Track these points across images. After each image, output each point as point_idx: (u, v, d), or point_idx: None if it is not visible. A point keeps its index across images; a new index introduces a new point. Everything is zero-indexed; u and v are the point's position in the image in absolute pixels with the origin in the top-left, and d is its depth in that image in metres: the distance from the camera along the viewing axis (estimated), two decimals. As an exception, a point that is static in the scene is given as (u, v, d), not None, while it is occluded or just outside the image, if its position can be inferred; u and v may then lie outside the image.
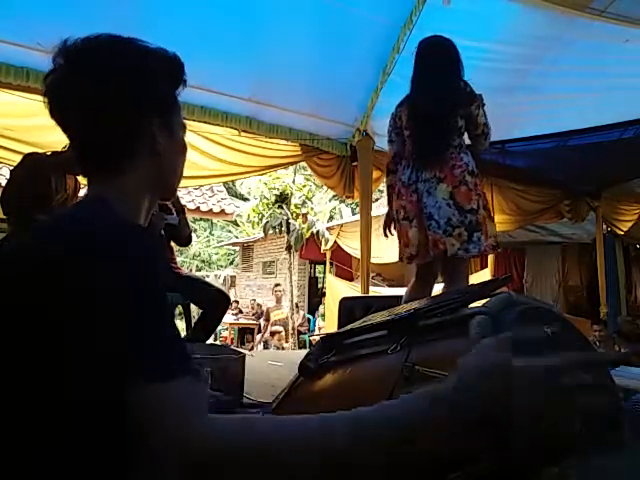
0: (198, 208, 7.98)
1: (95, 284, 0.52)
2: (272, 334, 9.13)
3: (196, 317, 3.16)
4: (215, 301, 3.01)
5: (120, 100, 0.68)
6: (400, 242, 2.44)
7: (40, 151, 2.80)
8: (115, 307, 0.52)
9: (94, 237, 0.57)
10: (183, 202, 7.51)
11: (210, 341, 3.48)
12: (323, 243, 9.12)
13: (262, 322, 9.57)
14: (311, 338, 8.83)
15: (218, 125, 3.73)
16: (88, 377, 0.51)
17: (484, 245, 2.20)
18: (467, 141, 2.38)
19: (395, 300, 2.48)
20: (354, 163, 4.33)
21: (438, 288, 2.77)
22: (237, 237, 16.50)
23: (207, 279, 5.09)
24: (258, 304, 11.18)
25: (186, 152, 0.80)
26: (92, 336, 0.51)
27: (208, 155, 3.80)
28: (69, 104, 0.69)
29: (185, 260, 17.02)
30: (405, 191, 2.33)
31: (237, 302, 11.42)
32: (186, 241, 3.11)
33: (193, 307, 3.30)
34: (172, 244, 3.08)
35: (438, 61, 2.36)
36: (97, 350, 0.51)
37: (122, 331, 0.51)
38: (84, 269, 0.53)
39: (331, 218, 10.69)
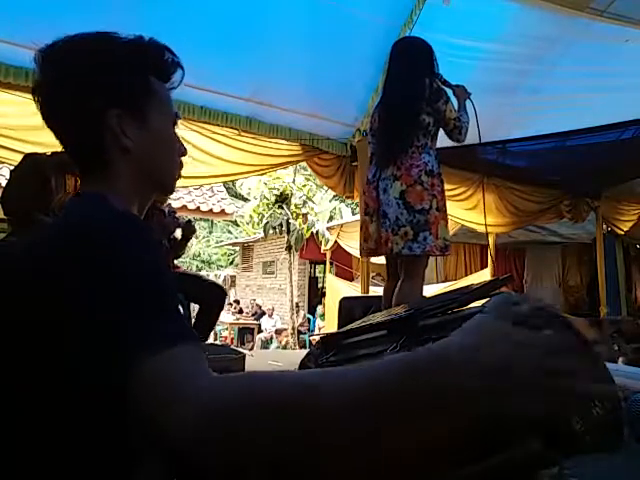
0: (198, 208, 7.98)
1: (91, 269, 0.52)
2: (278, 332, 9.16)
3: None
4: (210, 294, 3.02)
5: (70, 101, 0.67)
6: (361, 236, 2.52)
7: (40, 151, 2.80)
8: (114, 288, 0.51)
9: (90, 225, 0.57)
10: (183, 202, 7.51)
11: (210, 341, 3.49)
12: (323, 243, 9.12)
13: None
14: (311, 338, 8.83)
15: (218, 125, 3.73)
16: (91, 361, 0.51)
17: (430, 245, 2.23)
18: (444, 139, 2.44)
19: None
20: (354, 163, 4.33)
21: (437, 288, 2.77)
22: (237, 237, 16.51)
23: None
24: (257, 304, 11.19)
25: (174, 144, 0.76)
26: (92, 318, 0.51)
27: (209, 154, 3.81)
28: (42, 111, 0.69)
29: (185, 260, 17.03)
30: (368, 188, 2.43)
31: (237, 302, 11.43)
32: (176, 257, 3.32)
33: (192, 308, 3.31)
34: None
35: (402, 61, 2.43)
36: (98, 332, 0.50)
37: (121, 310, 0.50)
38: (82, 256, 0.53)
39: (331, 218, 10.69)
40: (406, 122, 2.32)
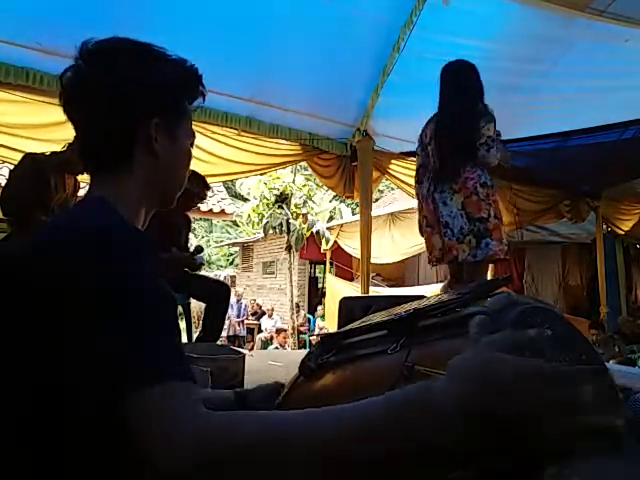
0: (198, 208, 7.94)
1: (87, 285, 0.53)
2: (278, 332, 9.16)
3: (196, 318, 3.18)
4: (215, 291, 3.03)
5: (119, 98, 0.69)
6: (427, 247, 2.69)
7: (40, 151, 2.80)
8: (106, 307, 0.52)
9: (91, 239, 0.56)
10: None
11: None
12: (323, 243, 9.12)
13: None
14: (311, 338, 8.83)
15: (218, 125, 3.73)
16: (82, 379, 0.52)
17: (493, 250, 2.42)
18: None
19: (395, 300, 2.48)
20: (354, 163, 4.33)
21: (437, 288, 2.81)
22: (236, 237, 16.52)
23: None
24: (258, 304, 11.17)
25: (190, 162, 0.81)
26: (84, 338, 0.51)
27: (209, 154, 3.81)
28: (76, 101, 0.71)
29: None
30: (425, 201, 2.61)
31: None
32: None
33: (192, 308, 3.31)
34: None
35: (461, 83, 2.59)
36: (89, 352, 0.51)
37: (111, 332, 0.51)
38: (80, 270, 0.54)
39: (331, 218, 10.68)
40: (467, 139, 2.49)
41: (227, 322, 9.97)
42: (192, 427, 0.46)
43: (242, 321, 10.33)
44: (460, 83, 2.59)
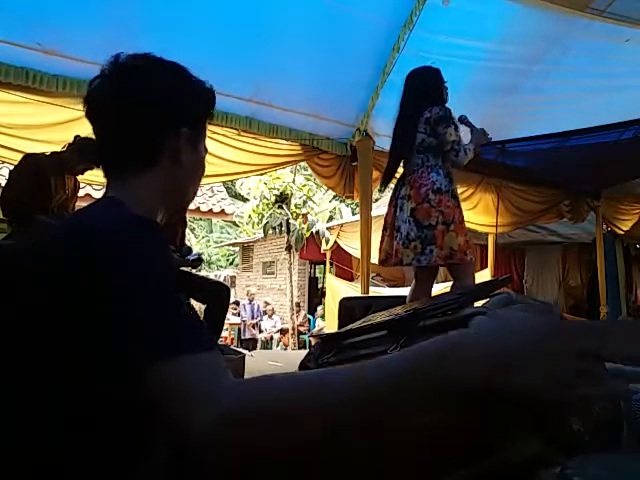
0: (198, 208, 7.97)
1: (109, 275, 0.54)
2: (282, 332, 9.15)
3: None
4: (215, 293, 3.02)
5: (159, 105, 0.74)
6: (379, 248, 2.78)
7: (39, 151, 2.80)
8: (128, 294, 0.53)
9: (109, 233, 0.58)
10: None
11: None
12: (323, 243, 9.12)
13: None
14: (311, 338, 8.83)
15: (218, 125, 3.73)
16: (106, 365, 0.52)
17: (435, 257, 2.47)
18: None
19: (395, 300, 2.49)
20: (354, 163, 4.32)
21: (438, 288, 2.83)
22: (236, 237, 16.53)
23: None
24: (266, 302, 11.08)
25: (203, 174, 0.86)
26: (106, 326, 0.52)
27: (209, 154, 3.81)
28: (111, 104, 0.73)
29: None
30: (389, 205, 2.71)
31: (237, 303, 11.40)
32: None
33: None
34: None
35: (411, 89, 2.69)
36: (111, 338, 0.52)
37: (134, 316, 0.52)
38: (99, 261, 0.54)
39: (331, 218, 10.67)
40: (405, 144, 2.60)
41: (241, 325, 9.88)
42: (223, 394, 0.46)
43: (257, 323, 10.11)
44: (412, 88, 2.66)
